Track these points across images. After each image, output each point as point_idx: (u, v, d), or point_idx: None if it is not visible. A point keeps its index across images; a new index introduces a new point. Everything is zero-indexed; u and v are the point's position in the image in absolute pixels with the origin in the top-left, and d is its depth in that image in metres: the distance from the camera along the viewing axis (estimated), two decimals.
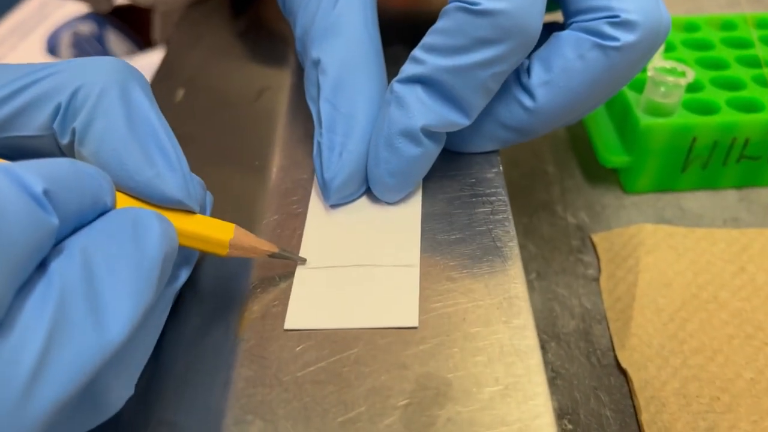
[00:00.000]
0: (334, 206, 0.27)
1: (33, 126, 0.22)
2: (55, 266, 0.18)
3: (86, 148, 0.22)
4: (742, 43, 0.41)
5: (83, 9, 0.64)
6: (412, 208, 0.27)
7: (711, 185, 0.39)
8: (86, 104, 0.22)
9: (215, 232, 0.24)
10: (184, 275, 0.24)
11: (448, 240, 0.26)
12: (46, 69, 0.23)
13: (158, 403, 0.22)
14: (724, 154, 0.37)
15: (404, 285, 0.24)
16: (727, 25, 0.43)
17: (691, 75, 0.35)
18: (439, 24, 0.25)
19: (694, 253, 0.34)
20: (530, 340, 0.22)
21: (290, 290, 0.24)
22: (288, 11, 0.31)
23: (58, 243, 0.19)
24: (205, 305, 0.24)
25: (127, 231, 0.20)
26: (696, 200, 0.38)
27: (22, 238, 0.16)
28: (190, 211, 0.23)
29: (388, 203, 0.28)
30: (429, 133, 0.26)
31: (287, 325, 0.23)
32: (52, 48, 0.62)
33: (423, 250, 0.26)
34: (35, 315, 0.17)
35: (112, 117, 0.22)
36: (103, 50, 0.63)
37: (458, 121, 0.26)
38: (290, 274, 0.25)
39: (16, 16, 0.66)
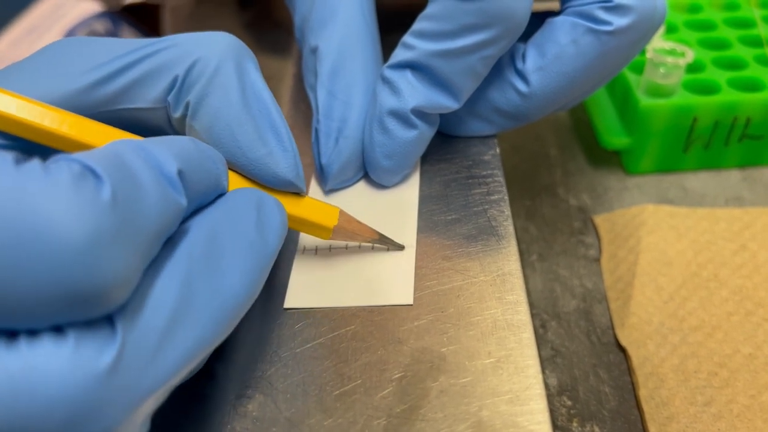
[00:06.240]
0: (332, 191, 0.28)
1: (148, 98, 0.22)
2: (183, 246, 0.18)
3: (199, 122, 0.22)
4: (745, 23, 0.41)
5: (97, 7, 0.65)
6: (410, 191, 0.28)
7: (714, 165, 0.39)
8: (202, 78, 0.21)
9: (321, 218, 0.24)
10: None
11: (445, 220, 0.27)
12: (162, 42, 0.22)
13: None
14: (725, 134, 0.37)
15: (400, 265, 0.25)
16: (730, 6, 0.43)
17: (690, 55, 0.35)
18: (428, 10, 0.25)
19: (696, 233, 0.34)
20: (523, 315, 0.23)
21: (290, 270, 0.25)
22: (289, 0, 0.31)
23: (182, 222, 0.19)
24: None
25: (251, 217, 0.20)
26: (699, 180, 0.38)
27: (156, 219, 0.17)
28: (297, 193, 0.23)
29: (386, 186, 0.28)
30: (421, 115, 0.27)
31: (287, 304, 0.24)
32: None
33: (420, 230, 0.26)
34: (162, 296, 0.17)
35: (228, 92, 0.22)
36: None
37: (448, 104, 0.27)
38: (290, 255, 0.26)
39: (31, 16, 0.67)
